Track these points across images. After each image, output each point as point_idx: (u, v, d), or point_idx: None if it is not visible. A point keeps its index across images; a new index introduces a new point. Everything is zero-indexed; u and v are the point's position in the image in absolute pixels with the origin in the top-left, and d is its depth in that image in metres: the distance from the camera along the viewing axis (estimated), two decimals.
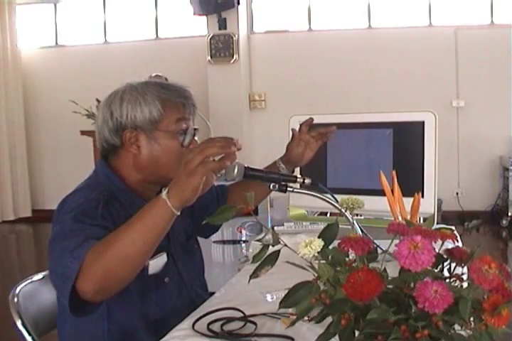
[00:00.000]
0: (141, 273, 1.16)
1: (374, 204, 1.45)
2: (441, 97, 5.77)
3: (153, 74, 4.57)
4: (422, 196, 1.54)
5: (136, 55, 6.33)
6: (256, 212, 2.00)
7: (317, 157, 1.69)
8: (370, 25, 6.09)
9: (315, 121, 1.62)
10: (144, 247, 1.08)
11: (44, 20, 6.85)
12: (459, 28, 5.79)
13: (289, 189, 1.30)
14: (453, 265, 0.83)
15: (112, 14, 6.69)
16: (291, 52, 6.14)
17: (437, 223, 1.50)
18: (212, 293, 1.48)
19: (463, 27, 5.79)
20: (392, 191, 1.39)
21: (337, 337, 0.78)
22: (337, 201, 1.26)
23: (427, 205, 1.61)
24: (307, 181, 1.31)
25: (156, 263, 1.30)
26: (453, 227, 1.00)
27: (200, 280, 1.55)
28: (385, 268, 0.82)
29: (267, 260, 0.87)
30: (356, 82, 5.94)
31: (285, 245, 0.87)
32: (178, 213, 1.08)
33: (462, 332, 0.76)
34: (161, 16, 6.56)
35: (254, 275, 0.88)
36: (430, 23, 5.95)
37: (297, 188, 1.33)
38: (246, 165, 1.25)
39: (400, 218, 1.37)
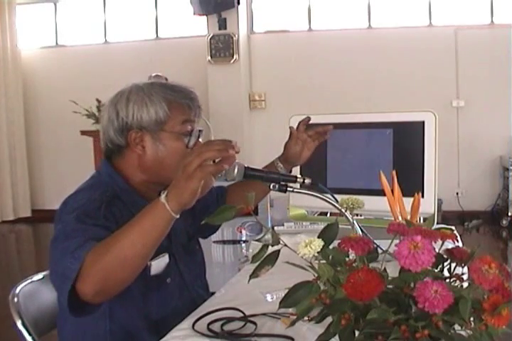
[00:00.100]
0: (143, 273, 1.16)
1: (374, 204, 1.45)
2: (441, 97, 5.77)
3: (153, 74, 4.58)
4: (422, 196, 1.54)
5: (136, 55, 6.34)
6: (256, 212, 2.00)
7: (317, 157, 1.69)
8: (370, 25, 6.09)
9: (315, 121, 1.62)
10: (143, 250, 1.08)
11: (44, 20, 6.85)
12: (459, 28, 5.79)
13: (289, 189, 1.30)
14: (453, 265, 0.83)
15: (112, 14, 6.69)
16: (291, 52, 6.14)
17: (437, 223, 1.50)
18: (213, 293, 1.48)
19: (463, 27, 5.79)
20: (392, 191, 1.39)
21: (337, 337, 0.78)
22: (337, 201, 1.26)
23: (427, 205, 1.61)
24: (307, 181, 1.31)
25: (158, 264, 1.31)
26: (453, 227, 1.00)
27: (201, 280, 1.55)
28: (385, 268, 0.82)
29: (266, 260, 0.87)
30: (356, 81, 5.94)
31: (285, 245, 0.87)
32: (177, 216, 1.08)
33: (462, 332, 0.76)
34: (161, 16, 6.57)
35: (254, 275, 0.88)
36: (430, 23, 5.95)
37: (297, 188, 1.33)
38: (246, 165, 1.25)
39: (399, 218, 1.37)
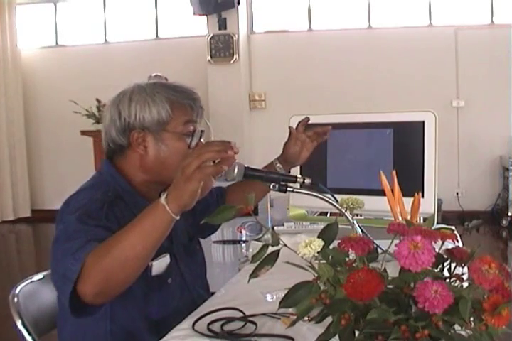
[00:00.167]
0: (145, 273, 1.16)
1: (374, 204, 1.45)
2: (441, 97, 5.77)
3: (153, 74, 4.57)
4: (422, 196, 1.54)
5: (136, 55, 6.34)
6: (256, 212, 2.00)
7: (317, 157, 1.69)
8: (370, 25, 6.09)
9: (315, 121, 1.62)
10: (143, 251, 1.08)
11: (44, 20, 6.85)
12: (459, 28, 5.79)
13: (289, 189, 1.30)
14: (453, 265, 0.83)
15: (112, 14, 6.69)
16: (291, 52, 6.14)
17: (437, 223, 1.50)
18: (213, 293, 1.48)
19: (463, 27, 5.79)
20: (392, 191, 1.39)
21: (337, 337, 0.78)
22: (337, 201, 1.26)
23: (427, 205, 1.61)
24: (307, 181, 1.31)
25: (160, 264, 1.31)
26: (453, 227, 1.00)
27: (202, 281, 1.55)
28: (385, 268, 0.82)
29: (266, 260, 0.87)
30: (356, 81, 5.94)
31: (285, 245, 0.87)
32: (178, 218, 1.08)
33: (462, 332, 0.76)
34: (161, 16, 6.57)
35: (254, 275, 0.88)
36: (430, 23, 5.95)
37: (297, 188, 1.33)
38: (246, 165, 1.25)
39: (400, 218, 1.37)
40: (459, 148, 5.84)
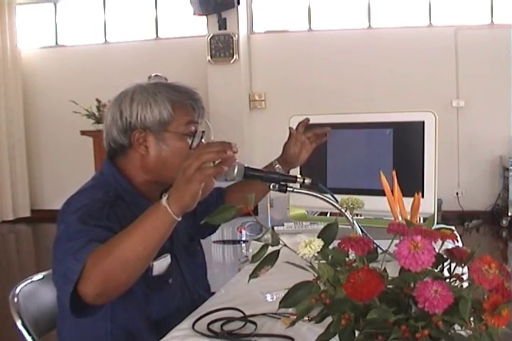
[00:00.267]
0: (146, 274, 1.16)
1: (374, 204, 1.45)
2: (441, 97, 5.77)
3: (153, 75, 4.57)
4: (422, 196, 1.54)
5: (136, 55, 6.34)
6: (256, 212, 2.00)
7: (317, 157, 1.69)
8: (370, 25, 6.09)
9: (315, 121, 1.62)
10: (144, 252, 1.08)
11: (44, 20, 6.85)
12: (459, 28, 5.79)
13: (289, 189, 1.30)
14: (453, 265, 0.83)
15: (112, 14, 6.69)
16: (291, 52, 6.14)
17: (437, 223, 1.49)
18: (213, 293, 1.48)
19: (463, 27, 5.79)
20: (392, 191, 1.39)
21: (337, 337, 0.78)
22: (337, 201, 1.26)
23: (427, 205, 1.61)
24: (307, 181, 1.31)
25: (160, 265, 1.31)
26: (453, 227, 1.00)
27: (202, 281, 1.55)
28: (385, 268, 0.82)
29: (266, 260, 0.87)
30: (356, 81, 5.94)
31: (285, 245, 0.87)
32: (179, 219, 1.08)
33: (462, 332, 0.76)
34: (161, 16, 6.57)
35: (254, 275, 0.88)
36: (430, 23, 5.95)
37: (297, 188, 1.33)
38: (246, 165, 1.25)
39: (400, 218, 1.37)
40: (459, 148, 5.84)
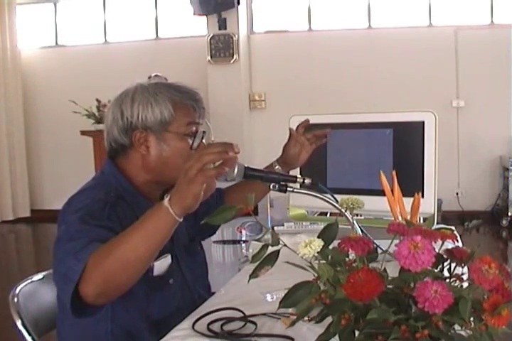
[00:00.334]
0: (146, 274, 1.16)
1: (374, 204, 1.45)
2: (441, 97, 5.77)
3: (153, 74, 4.57)
4: (422, 196, 1.54)
5: (136, 55, 6.34)
6: (256, 212, 2.00)
7: (317, 157, 1.69)
8: (370, 25, 6.09)
9: (315, 121, 1.62)
10: (145, 253, 1.08)
11: (44, 20, 6.85)
12: (459, 28, 5.79)
13: (289, 189, 1.30)
14: (453, 265, 0.83)
15: (112, 14, 6.69)
16: (291, 52, 6.14)
17: (437, 223, 1.50)
18: (213, 293, 1.49)
19: (463, 27, 5.79)
20: (392, 191, 1.39)
21: (337, 337, 0.78)
22: (337, 201, 1.26)
23: (427, 205, 1.61)
24: (307, 181, 1.31)
25: (161, 265, 1.31)
26: (453, 227, 1.00)
27: (203, 281, 1.55)
28: (385, 268, 0.82)
29: (266, 260, 0.87)
30: (356, 82, 5.94)
31: (285, 245, 0.87)
32: (181, 220, 1.08)
33: (462, 332, 0.76)
34: (161, 16, 6.56)
35: (254, 275, 0.88)
36: (430, 23, 5.95)
37: (297, 188, 1.33)
38: (246, 165, 1.25)
39: (399, 218, 1.37)
40: (459, 148, 5.84)
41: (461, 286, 0.79)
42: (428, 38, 5.85)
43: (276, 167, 1.60)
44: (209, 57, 6.04)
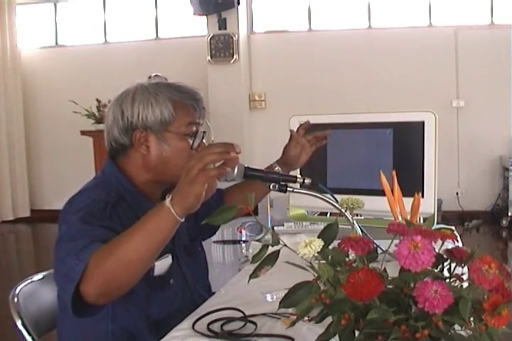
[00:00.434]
0: (147, 274, 1.16)
1: (374, 204, 1.45)
2: (441, 97, 5.77)
3: (153, 74, 4.57)
4: (422, 196, 1.54)
5: (136, 55, 6.34)
6: (256, 212, 2.00)
7: (317, 157, 1.69)
8: (370, 25, 6.10)
9: (315, 121, 1.63)
10: (147, 253, 1.08)
11: (44, 20, 6.85)
12: (459, 28, 5.79)
13: (289, 189, 1.30)
14: (453, 265, 0.83)
15: (112, 14, 6.69)
16: (291, 52, 6.14)
17: (437, 223, 1.49)
18: (213, 293, 1.49)
19: (463, 27, 5.79)
20: (392, 191, 1.39)
21: (337, 337, 0.78)
22: (337, 201, 1.26)
23: (427, 205, 1.61)
24: (307, 181, 1.31)
25: (162, 265, 1.31)
26: (453, 227, 1.00)
27: (203, 282, 1.55)
28: (385, 268, 0.82)
29: (266, 260, 0.87)
30: (356, 81, 5.94)
31: (285, 245, 0.87)
32: (182, 220, 1.08)
33: (462, 332, 0.76)
34: (161, 16, 6.57)
35: (254, 275, 0.88)
36: (430, 23, 5.95)
37: (297, 188, 1.33)
38: (246, 165, 1.25)
39: (399, 218, 1.37)
40: (459, 148, 5.84)
41: (461, 286, 0.79)
42: (428, 38, 5.85)
43: (277, 168, 1.61)
44: (209, 57, 6.04)
